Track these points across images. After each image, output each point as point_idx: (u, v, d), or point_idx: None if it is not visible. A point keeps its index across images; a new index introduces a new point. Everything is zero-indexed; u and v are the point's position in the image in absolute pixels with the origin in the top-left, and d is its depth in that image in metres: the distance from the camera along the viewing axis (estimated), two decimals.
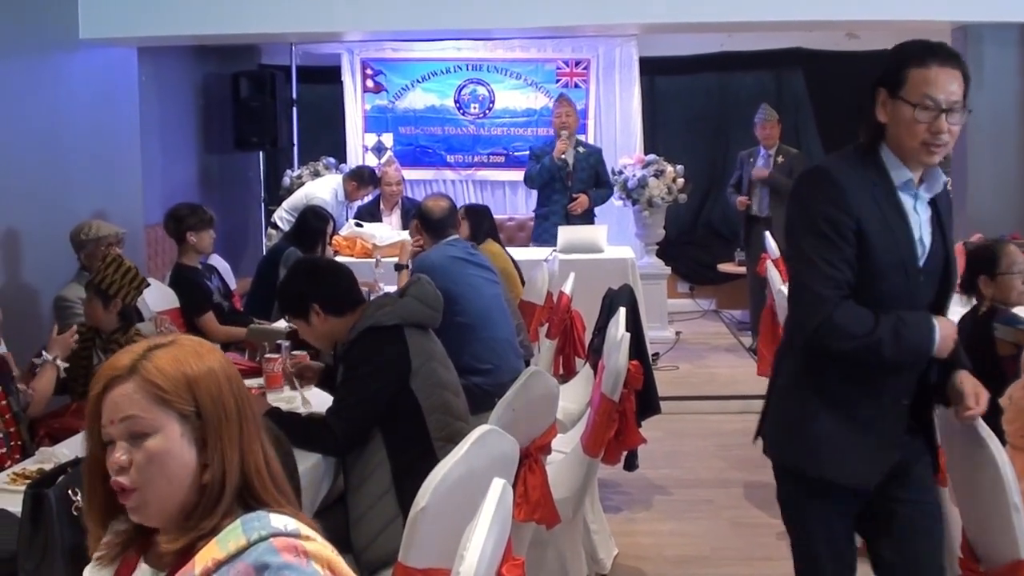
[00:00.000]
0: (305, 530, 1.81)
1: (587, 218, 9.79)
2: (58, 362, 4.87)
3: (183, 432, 1.89)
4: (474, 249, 6.04)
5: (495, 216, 10.89)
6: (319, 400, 4.52)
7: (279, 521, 1.81)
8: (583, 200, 9.68)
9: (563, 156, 9.58)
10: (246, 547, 1.76)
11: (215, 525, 1.85)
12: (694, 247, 12.24)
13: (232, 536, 1.79)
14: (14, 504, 3.15)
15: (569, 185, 9.64)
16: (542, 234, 9.67)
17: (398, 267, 6.99)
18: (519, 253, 7.97)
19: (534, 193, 10.15)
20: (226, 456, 1.90)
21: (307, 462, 3.76)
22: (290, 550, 1.75)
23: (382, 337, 3.98)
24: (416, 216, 6.09)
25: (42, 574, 2.66)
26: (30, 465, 3.71)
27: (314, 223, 7.76)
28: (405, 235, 8.91)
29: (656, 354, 9.32)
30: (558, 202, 9.67)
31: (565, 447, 4.91)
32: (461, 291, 5.51)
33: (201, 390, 1.90)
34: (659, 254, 10.68)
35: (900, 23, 8.18)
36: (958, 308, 6.26)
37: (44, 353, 4.88)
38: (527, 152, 10.33)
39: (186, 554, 1.83)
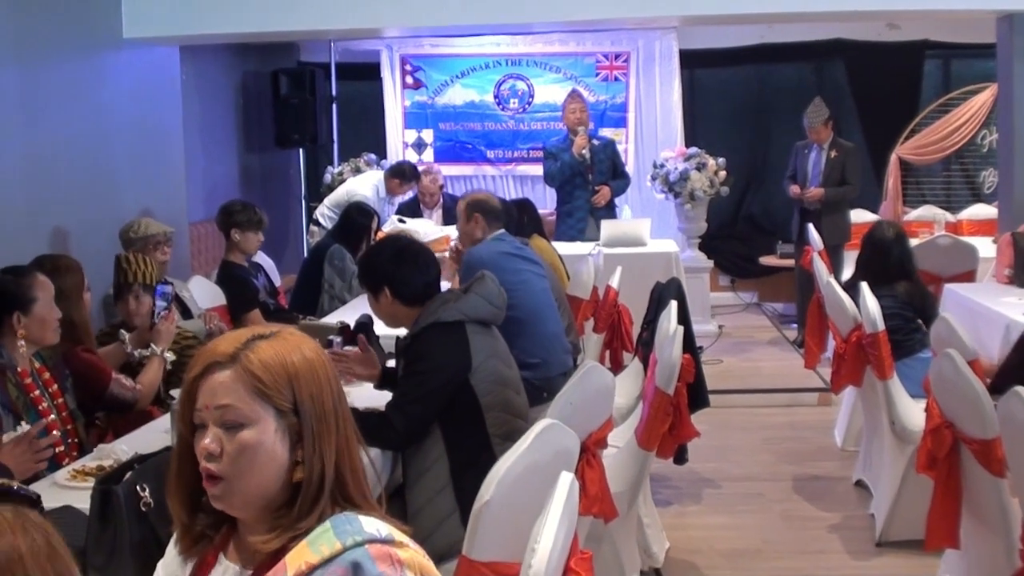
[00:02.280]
0: (398, 535, 1.78)
1: (609, 210, 9.79)
2: (165, 354, 4.90)
3: (278, 427, 1.88)
4: (522, 243, 6.03)
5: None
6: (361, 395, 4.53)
7: (371, 525, 1.78)
8: (605, 192, 9.69)
9: (583, 152, 9.55)
10: (340, 552, 1.73)
11: (311, 527, 1.83)
12: (735, 240, 12.18)
13: (325, 539, 1.76)
14: (75, 500, 3.17)
15: (590, 179, 9.63)
16: (567, 231, 9.63)
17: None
18: (562, 248, 7.96)
19: None
20: (325, 455, 1.88)
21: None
22: (384, 559, 1.72)
23: (444, 333, 3.98)
24: (474, 207, 6.06)
25: (111, 570, 2.67)
26: (89, 462, 3.73)
27: (359, 219, 7.79)
28: (448, 230, 8.94)
29: (700, 348, 9.27)
30: (581, 197, 9.66)
31: (618, 441, 4.88)
32: (511, 286, 5.47)
33: (301, 386, 1.89)
34: (701, 247, 10.64)
35: (943, 12, 8.13)
36: (1011, 298, 6.26)
37: (152, 346, 4.91)
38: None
39: (278, 554, 1.82)
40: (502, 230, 6.01)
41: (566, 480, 2.59)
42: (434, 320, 4.00)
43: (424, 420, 3.88)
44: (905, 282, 5.90)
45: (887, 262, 5.95)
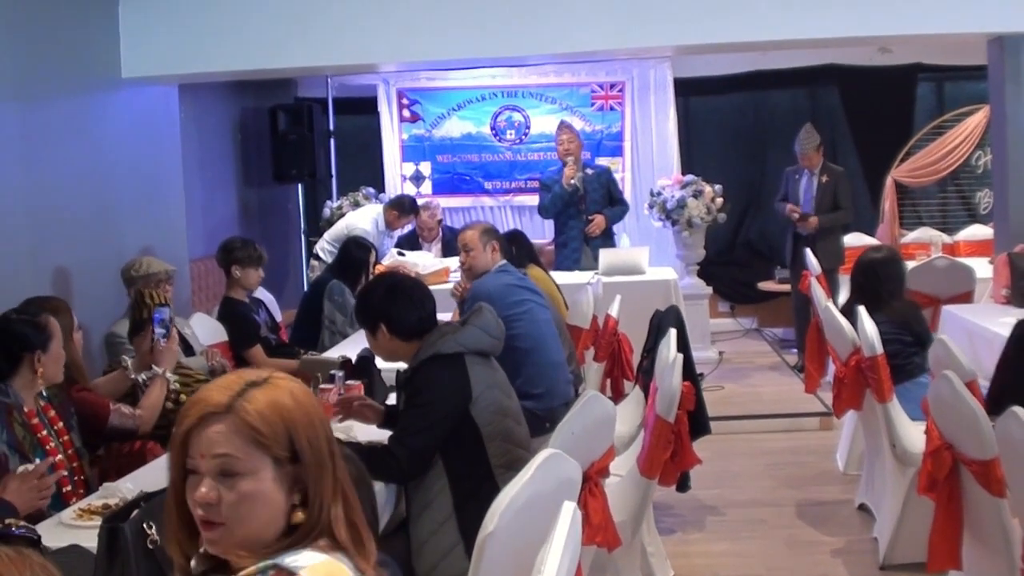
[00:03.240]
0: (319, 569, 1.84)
1: (606, 238, 9.81)
2: (168, 375, 4.92)
3: (276, 475, 1.91)
4: (522, 274, 6.09)
5: (535, 241, 11.01)
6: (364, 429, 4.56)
7: (294, 556, 1.84)
8: (600, 221, 9.69)
9: (572, 181, 9.57)
10: (252, 573, 1.83)
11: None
12: (734, 266, 12.22)
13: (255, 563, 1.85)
14: (82, 539, 3.20)
15: (583, 208, 9.65)
16: (563, 261, 9.64)
17: (454, 294, 7.05)
18: (561, 277, 7.98)
19: None
20: (324, 497, 1.92)
21: None
22: None
23: (443, 365, 4.01)
24: (491, 236, 6.12)
25: None
26: (95, 500, 3.74)
27: (356, 253, 7.83)
28: (447, 262, 8.97)
29: (701, 374, 9.30)
30: (575, 227, 9.67)
31: (620, 470, 4.91)
32: (515, 317, 5.56)
33: (299, 434, 1.92)
34: (699, 274, 10.68)
35: (934, 36, 8.19)
36: (1009, 319, 6.28)
37: (154, 368, 4.93)
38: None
39: None
40: (504, 261, 6.07)
41: (569, 509, 2.61)
42: (433, 353, 4.03)
43: (426, 452, 3.90)
44: (898, 304, 5.92)
45: (878, 285, 5.99)
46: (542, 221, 11.48)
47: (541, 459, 3.05)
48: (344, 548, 1.91)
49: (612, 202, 9.93)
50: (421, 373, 4.04)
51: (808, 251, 9.15)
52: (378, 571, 1.99)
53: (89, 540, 2.99)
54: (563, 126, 10.24)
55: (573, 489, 3.26)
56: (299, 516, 1.91)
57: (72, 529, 3.47)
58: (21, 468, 3.74)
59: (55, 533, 3.42)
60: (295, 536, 1.90)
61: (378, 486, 3.87)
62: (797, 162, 9.91)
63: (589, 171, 9.80)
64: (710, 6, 7.78)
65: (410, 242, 10.19)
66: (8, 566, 1.69)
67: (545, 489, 2.99)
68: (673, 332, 5.11)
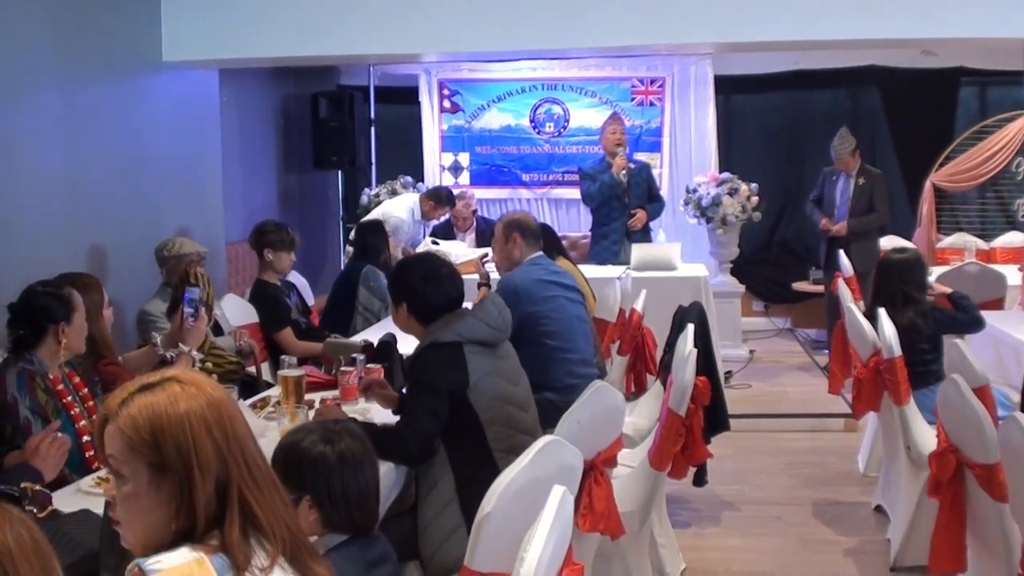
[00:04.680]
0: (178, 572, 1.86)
1: (644, 233, 9.84)
2: (193, 353, 5.02)
3: (151, 479, 1.94)
4: (557, 268, 6.14)
5: (570, 233, 11.07)
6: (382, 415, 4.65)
7: (161, 556, 1.88)
8: (642, 216, 9.72)
9: (623, 173, 9.63)
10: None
11: None
12: (769, 265, 12.23)
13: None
14: (96, 505, 3.29)
15: (627, 202, 9.68)
16: (601, 252, 9.69)
17: (480, 285, 7.13)
18: (590, 271, 8.03)
19: None
20: (196, 505, 1.93)
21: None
22: None
23: (440, 353, 4.12)
24: (513, 227, 6.16)
25: (121, 570, 2.77)
26: None
27: (371, 238, 7.94)
28: (480, 252, 9.05)
29: (729, 372, 9.34)
30: (617, 219, 9.69)
31: (633, 461, 4.97)
32: (546, 312, 5.65)
33: (167, 440, 1.93)
34: (733, 272, 10.69)
35: (975, 40, 8.15)
36: None
37: (181, 345, 5.02)
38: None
39: None
40: (539, 253, 6.11)
41: (557, 493, 2.68)
42: (431, 340, 4.15)
43: (431, 434, 3.99)
44: (914, 307, 5.92)
45: (892, 286, 6.00)
46: (578, 214, 11.55)
47: (541, 445, 3.11)
48: (228, 548, 1.92)
49: (651, 198, 9.96)
50: (420, 360, 4.17)
51: (841, 252, 9.16)
52: (320, 570, 2.05)
53: (102, 506, 3.08)
54: (615, 117, 10.31)
55: (573, 476, 3.32)
56: (178, 523, 1.94)
57: (90, 496, 3.56)
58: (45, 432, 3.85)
59: (73, 499, 3.52)
60: (178, 539, 1.94)
61: (388, 468, 3.95)
62: (832, 162, 9.93)
63: (631, 165, 9.83)
64: (753, 5, 7.76)
65: (444, 231, 10.26)
66: None
67: (544, 474, 3.04)
68: (691, 327, 5.15)
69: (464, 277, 4.71)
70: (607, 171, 9.66)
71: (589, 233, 10.30)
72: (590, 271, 8.06)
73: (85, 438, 4.16)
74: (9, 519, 1.80)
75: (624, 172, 9.62)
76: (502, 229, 6.13)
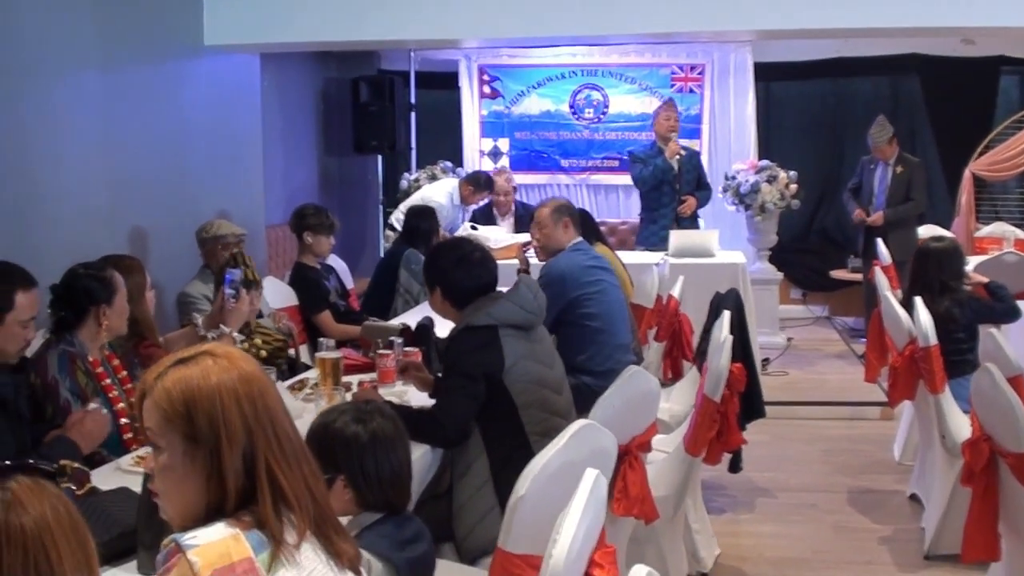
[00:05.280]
0: (201, 552, 1.90)
1: (692, 220, 9.86)
2: (235, 334, 5.07)
3: (185, 450, 1.99)
4: (598, 254, 6.19)
5: (609, 219, 11.08)
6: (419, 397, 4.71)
7: (198, 531, 1.92)
8: (692, 202, 9.73)
9: (676, 158, 9.63)
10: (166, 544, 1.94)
11: None
12: (807, 253, 12.19)
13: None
14: (134, 483, 3.34)
15: (677, 188, 9.69)
16: (650, 236, 9.69)
17: (519, 271, 7.16)
18: (628, 257, 8.05)
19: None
20: (225, 475, 1.98)
21: (413, 454, 3.91)
22: (167, 555, 1.92)
23: (475, 336, 4.17)
24: (564, 212, 6.21)
25: (159, 547, 2.83)
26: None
27: (417, 223, 7.99)
28: (519, 238, 9.07)
29: (767, 359, 9.35)
30: (668, 204, 9.69)
31: (669, 447, 5.00)
32: (590, 297, 5.72)
33: (198, 411, 1.98)
34: (772, 260, 10.69)
35: (1015, 29, 8.10)
36: None
37: (222, 327, 5.05)
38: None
39: None
40: (580, 239, 6.16)
41: (591, 475, 2.71)
42: (466, 324, 4.21)
43: (465, 418, 4.04)
44: (951, 296, 5.92)
45: (930, 274, 5.99)
46: (617, 200, 11.58)
47: (575, 428, 3.15)
48: (263, 524, 1.97)
49: (699, 186, 9.97)
50: (455, 343, 4.23)
51: (879, 241, 9.15)
52: (345, 547, 2.09)
53: (139, 484, 3.14)
54: (670, 103, 10.30)
55: (607, 460, 3.35)
56: (209, 494, 1.99)
57: (128, 475, 3.62)
58: (92, 406, 3.92)
59: (112, 477, 3.58)
60: (212, 511, 1.99)
61: (423, 450, 3.99)
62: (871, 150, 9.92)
63: (683, 152, 9.85)
64: None
65: (485, 215, 10.30)
66: (27, 494, 1.85)
67: (578, 458, 3.08)
68: (727, 314, 5.17)
69: (502, 263, 4.76)
70: (659, 155, 9.68)
71: (630, 219, 10.30)
72: (629, 257, 8.08)
73: (123, 420, 4.22)
74: (47, 495, 1.86)
75: (677, 157, 9.63)
76: (550, 214, 6.16)
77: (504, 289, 4.44)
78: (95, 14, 6.71)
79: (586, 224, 7.01)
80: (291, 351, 6.42)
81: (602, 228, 8.44)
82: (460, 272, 4.33)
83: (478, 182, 10.17)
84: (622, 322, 5.97)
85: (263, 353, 5.61)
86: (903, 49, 11.51)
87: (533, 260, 6.83)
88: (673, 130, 9.81)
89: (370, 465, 2.99)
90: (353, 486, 2.98)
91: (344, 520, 2.90)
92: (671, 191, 9.68)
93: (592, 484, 2.68)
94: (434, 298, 4.44)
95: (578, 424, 3.19)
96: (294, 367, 6.14)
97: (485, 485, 3.99)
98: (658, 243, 9.46)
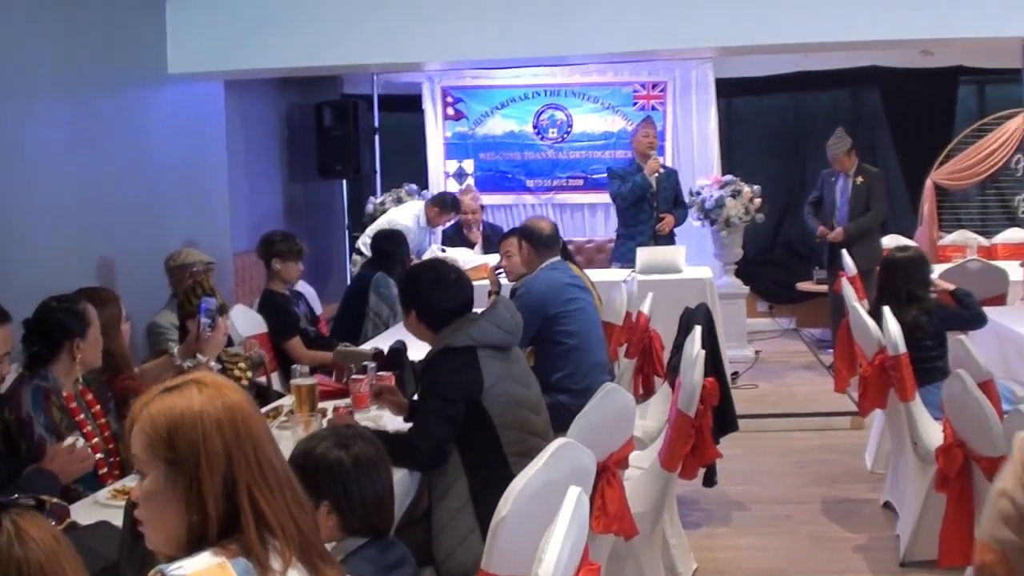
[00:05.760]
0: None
1: (669, 238, 9.89)
2: (211, 364, 5.04)
3: (167, 476, 2.00)
4: (575, 273, 6.21)
5: (575, 238, 11.13)
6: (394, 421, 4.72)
7: (184, 561, 1.92)
8: (670, 220, 9.79)
9: (655, 175, 9.67)
10: None
11: None
12: (773, 266, 12.28)
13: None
14: (114, 517, 3.33)
15: (655, 205, 9.73)
16: (627, 253, 9.67)
17: (490, 293, 7.18)
18: (596, 274, 8.07)
19: (612, 215, 10.28)
20: (205, 501, 1.99)
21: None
22: None
23: (454, 358, 4.16)
24: (523, 235, 6.26)
25: None
26: (129, 482, 3.87)
27: (387, 247, 7.99)
28: (488, 259, 9.11)
29: (736, 373, 9.40)
30: (645, 222, 9.74)
31: (644, 463, 5.02)
32: (568, 315, 5.75)
33: (180, 437, 2.00)
34: (738, 273, 10.76)
35: (973, 40, 8.20)
36: None
37: (198, 356, 5.05)
38: (605, 173, 10.44)
39: None
40: (557, 258, 6.19)
41: (574, 494, 2.73)
42: (445, 345, 4.20)
43: (443, 441, 4.04)
44: (918, 305, 5.98)
45: (897, 284, 6.05)
46: (583, 219, 11.64)
47: (555, 447, 3.17)
48: (249, 551, 1.97)
49: (676, 204, 10.02)
50: (433, 365, 4.22)
51: (844, 252, 9.22)
52: (330, 573, 2.09)
53: (120, 518, 3.12)
54: (649, 121, 10.36)
55: (587, 477, 3.37)
56: (190, 519, 2.00)
57: (106, 508, 3.60)
58: (69, 440, 3.90)
59: (90, 512, 3.56)
60: (194, 538, 2.00)
61: (401, 474, 4.00)
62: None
63: (662, 170, 9.89)
64: (752, 7, 7.83)
65: (455, 235, 10.33)
66: (30, 526, 1.92)
67: (558, 476, 3.09)
68: (698, 329, 5.20)
69: (476, 283, 4.77)
70: (638, 172, 9.71)
71: (596, 238, 10.32)
72: (599, 275, 8.11)
73: (98, 455, 4.19)
74: (46, 524, 1.89)
75: (656, 175, 9.67)
76: (514, 240, 6.22)
77: (479, 310, 4.45)
78: (58, 44, 6.71)
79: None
80: (262, 379, 6.41)
81: (568, 247, 8.46)
82: (437, 294, 4.32)
83: (444, 203, 10.18)
84: (598, 341, 6.01)
85: (248, 376, 5.59)
86: (862, 62, 11.65)
87: (504, 281, 6.88)
88: (652, 147, 9.89)
89: (354, 489, 3.00)
90: (337, 511, 2.98)
91: (329, 546, 2.91)
92: (649, 208, 9.73)
93: (576, 501, 2.70)
94: (409, 320, 4.42)
95: (557, 443, 3.20)
96: (266, 395, 6.12)
97: (465, 507, 3.98)
98: (635, 260, 9.50)
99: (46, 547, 1.87)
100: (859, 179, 9.83)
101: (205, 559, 1.94)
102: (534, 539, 2.64)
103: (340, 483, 2.99)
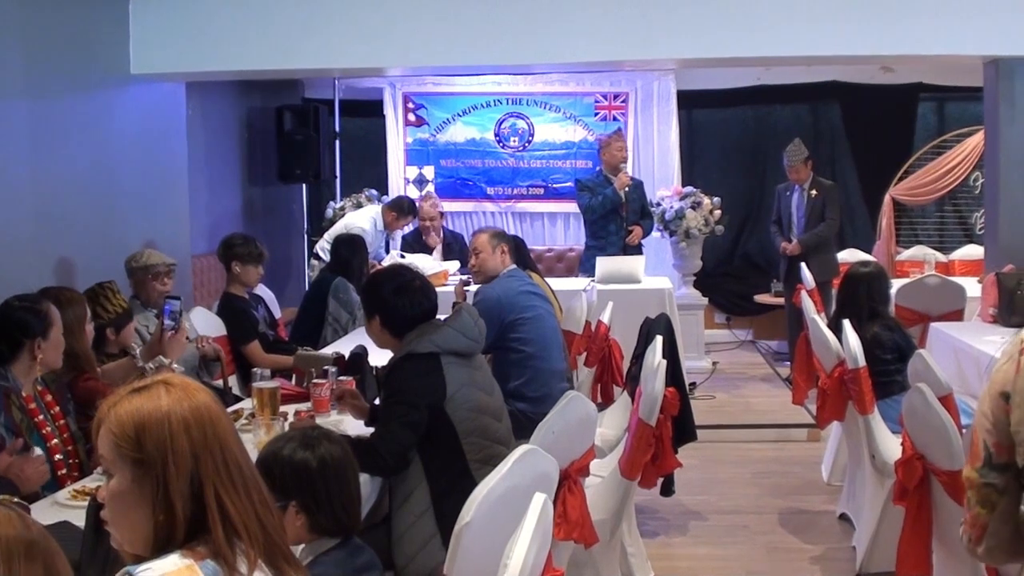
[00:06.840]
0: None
1: (638, 248, 9.90)
2: (174, 366, 5.02)
3: (134, 476, 2.00)
4: (532, 281, 6.22)
5: (535, 247, 11.13)
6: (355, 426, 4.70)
7: (152, 563, 1.93)
8: (638, 231, 9.80)
9: (626, 188, 9.69)
10: None
11: None
12: (731, 278, 12.35)
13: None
14: (74, 518, 3.31)
15: (624, 216, 9.75)
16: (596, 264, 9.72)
17: (455, 304, 7.16)
18: (556, 283, 8.09)
19: (572, 225, 10.33)
20: (172, 501, 1.98)
21: None
22: None
23: (418, 364, 4.15)
24: (509, 242, 6.31)
25: None
26: (89, 483, 3.85)
27: (346, 252, 7.96)
28: (446, 266, 9.10)
29: (693, 384, 9.43)
30: (615, 233, 9.72)
31: (603, 471, 5.03)
32: (525, 322, 5.76)
33: (147, 436, 2.00)
34: (696, 285, 10.81)
35: (933, 57, 8.27)
36: (995, 337, 6.38)
37: (161, 359, 5.02)
38: (568, 184, 10.45)
39: None
40: (514, 266, 6.21)
41: (539, 500, 2.73)
42: (408, 351, 4.18)
43: (406, 446, 4.02)
44: (879, 321, 6.03)
45: (859, 300, 6.10)
46: (543, 228, 11.67)
47: (518, 454, 3.17)
48: (217, 554, 1.97)
49: (643, 215, 10.04)
50: (396, 371, 4.20)
51: (803, 265, 9.27)
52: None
53: (80, 519, 3.09)
54: (619, 133, 10.42)
55: (550, 485, 3.37)
56: (156, 519, 2.00)
57: (66, 509, 3.58)
58: (30, 451, 3.87)
59: (50, 512, 3.53)
60: (161, 537, 2.00)
61: (363, 479, 3.98)
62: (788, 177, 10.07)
63: (631, 182, 9.90)
64: (715, 21, 7.85)
65: (414, 239, 10.30)
66: (21, 512, 1.93)
67: (522, 483, 3.09)
68: (660, 339, 5.22)
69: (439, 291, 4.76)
70: (608, 185, 9.71)
71: (556, 247, 10.31)
72: (559, 284, 8.13)
73: (57, 456, 4.17)
74: (28, 520, 1.90)
75: (626, 188, 9.69)
76: (488, 240, 6.23)
77: (443, 317, 4.43)
78: (20, 43, 6.64)
79: (519, 251, 7.06)
80: (219, 382, 6.38)
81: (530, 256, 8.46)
82: (400, 300, 4.30)
83: (401, 208, 10.14)
84: (556, 349, 6.01)
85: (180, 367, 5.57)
86: (823, 77, 11.75)
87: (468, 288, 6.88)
88: (624, 160, 9.90)
89: (321, 489, 3.00)
90: (305, 511, 2.98)
91: (298, 549, 2.90)
92: (619, 220, 9.72)
93: (541, 508, 2.70)
94: (372, 326, 4.39)
95: (521, 449, 3.20)
96: (223, 398, 6.08)
97: (426, 513, 3.97)
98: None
99: (41, 533, 1.89)
100: (813, 192, 9.90)
101: (173, 561, 1.94)
102: (497, 545, 2.64)
103: (307, 483, 3.00)
